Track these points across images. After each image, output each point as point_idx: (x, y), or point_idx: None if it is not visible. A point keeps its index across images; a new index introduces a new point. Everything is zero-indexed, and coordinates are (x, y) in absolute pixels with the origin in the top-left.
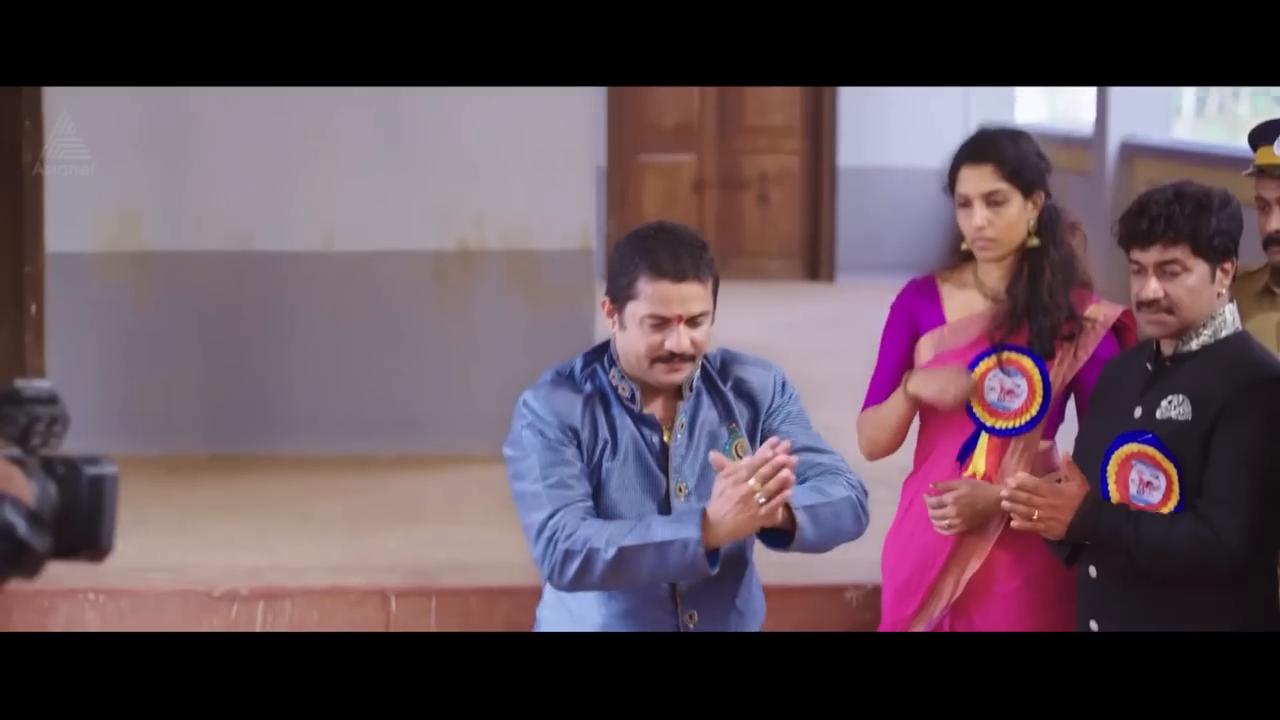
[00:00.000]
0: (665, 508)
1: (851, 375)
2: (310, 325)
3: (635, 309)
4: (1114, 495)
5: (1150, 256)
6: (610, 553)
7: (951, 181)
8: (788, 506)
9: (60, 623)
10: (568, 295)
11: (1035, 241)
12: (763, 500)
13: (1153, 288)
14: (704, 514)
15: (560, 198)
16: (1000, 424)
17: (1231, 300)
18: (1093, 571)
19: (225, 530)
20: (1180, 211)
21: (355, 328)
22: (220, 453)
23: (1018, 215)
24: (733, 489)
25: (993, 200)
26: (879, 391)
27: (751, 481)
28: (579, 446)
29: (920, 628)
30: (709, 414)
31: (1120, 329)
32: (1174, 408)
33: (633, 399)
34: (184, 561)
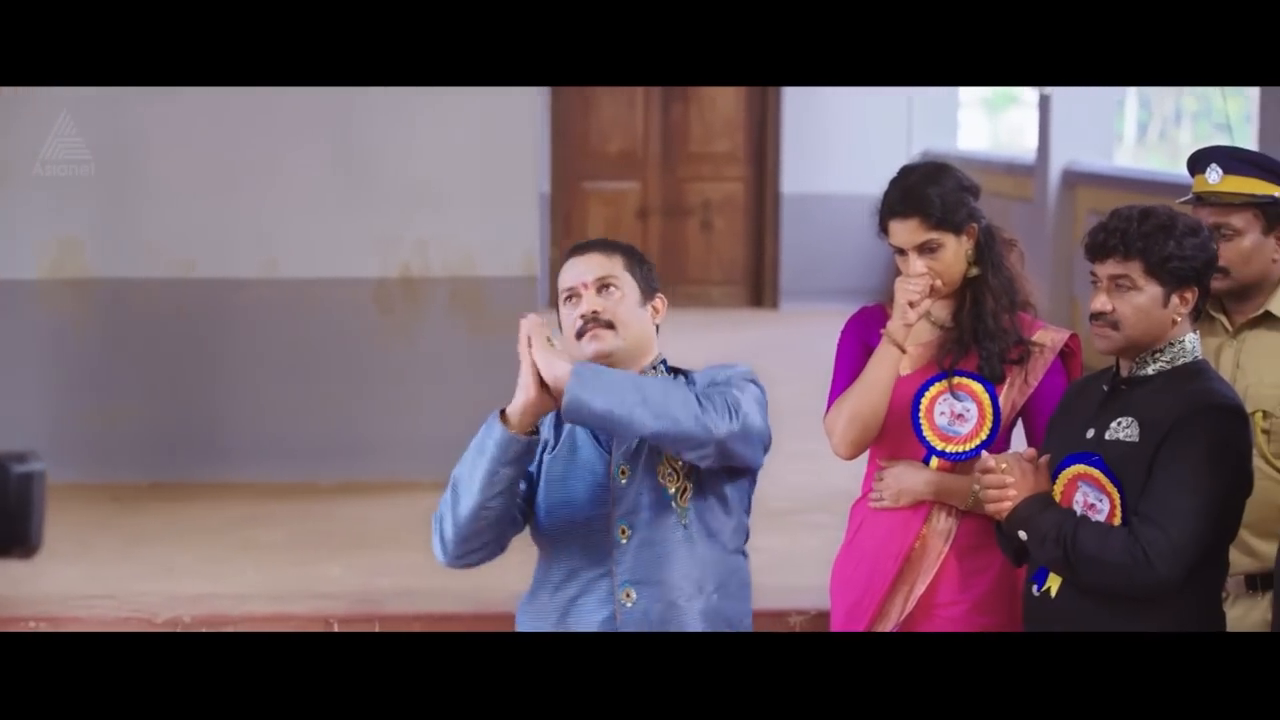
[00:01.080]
0: (605, 489)
1: (796, 400)
2: (254, 352)
3: (560, 301)
4: None
5: (1104, 270)
6: (448, 490)
7: (883, 229)
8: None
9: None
10: (511, 322)
11: (975, 271)
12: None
13: (1100, 300)
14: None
15: (504, 225)
16: (950, 448)
17: (1196, 331)
18: (1035, 590)
19: (167, 558)
20: (1138, 230)
21: (299, 354)
22: (163, 480)
23: (954, 256)
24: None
25: (926, 249)
26: (840, 392)
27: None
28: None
29: None
30: None
31: (1066, 354)
32: (1122, 429)
33: None
34: (126, 589)
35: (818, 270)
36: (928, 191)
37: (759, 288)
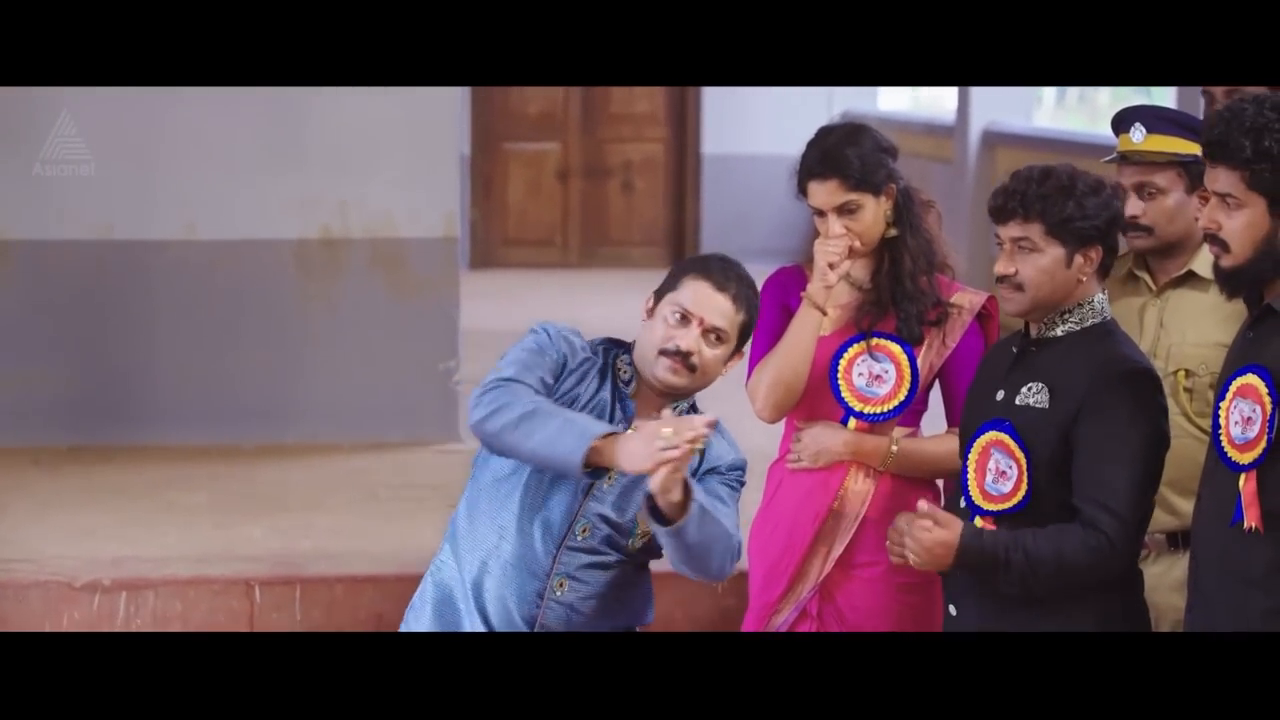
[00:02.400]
0: (589, 480)
1: None
2: (173, 314)
3: (669, 299)
4: (972, 485)
5: (1006, 232)
6: (525, 407)
7: (801, 190)
8: (687, 494)
9: None
10: (431, 284)
11: (893, 232)
12: (663, 446)
13: (1003, 263)
14: (616, 434)
15: (424, 186)
16: (868, 409)
17: (1104, 290)
18: (952, 611)
19: (87, 521)
20: (1036, 191)
21: (218, 317)
22: (82, 443)
23: (873, 217)
24: (649, 427)
25: (845, 210)
26: (761, 355)
27: (666, 430)
28: (559, 375)
29: (787, 611)
30: None
31: (984, 316)
32: (1032, 395)
33: (628, 381)
34: (45, 553)
35: (739, 231)
36: (846, 153)
37: (680, 249)
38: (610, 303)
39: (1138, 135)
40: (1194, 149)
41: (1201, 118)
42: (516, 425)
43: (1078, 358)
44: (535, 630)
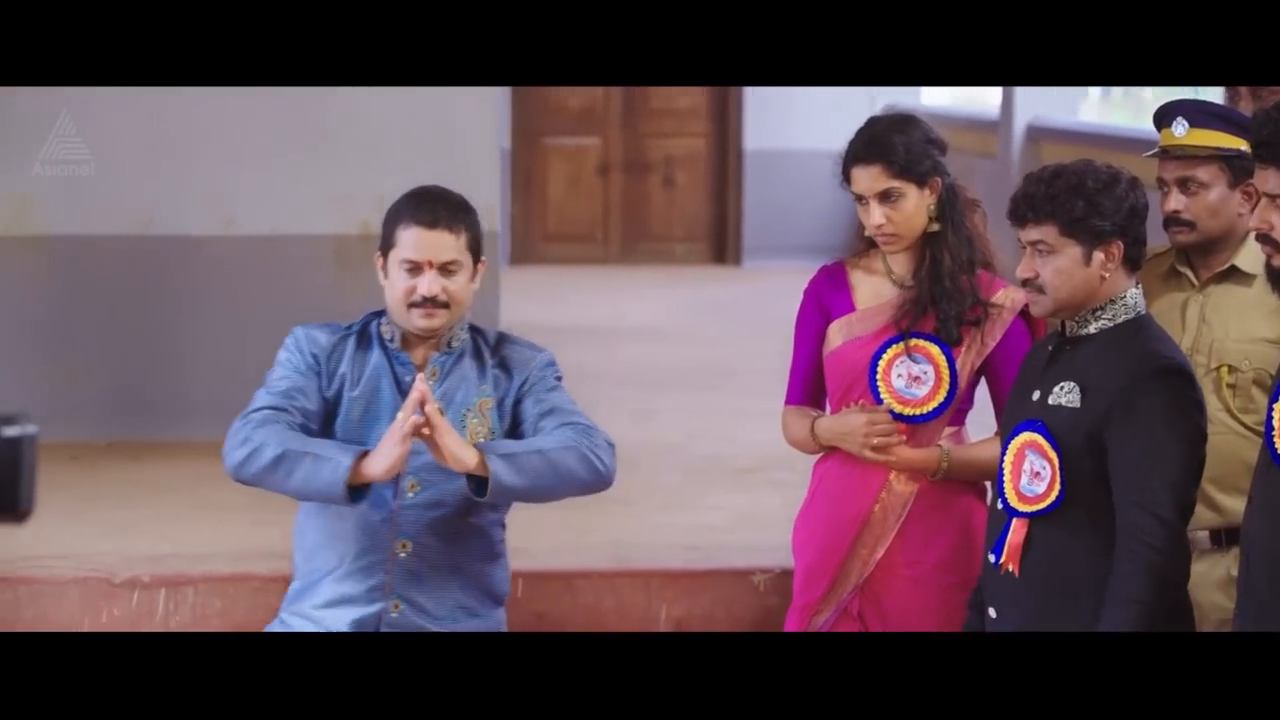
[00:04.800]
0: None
1: (759, 358)
2: (211, 309)
3: (395, 255)
4: (1008, 486)
5: (1024, 235)
6: (276, 450)
7: (845, 177)
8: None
9: None
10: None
11: (936, 226)
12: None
13: (1024, 266)
14: (365, 452)
15: (464, 181)
16: (908, 410)
17: (1137, 284)
18: (993, 560)
19: (126, 517)
20: (1046, 192)
21: (257, 312)
22: (120, 439)
23: (915, 207)
24: (391, 434)
25: (887, 198)
26: (798, 383)
27: (400, 415)
28: (320, 375)
29: (828, 611)
30: (466, 372)
31: (1027, 313)
32: (1064, 394)
33: (393, 340)
34: (84, 549)
35: (781, 226)
36: (893, 139)
37: (721, 244)
38: (651, 298)
39: (1180, 129)
40: (1237, 143)
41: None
42: (273, 469)
43: (1110, 355)
44: (388, 595)
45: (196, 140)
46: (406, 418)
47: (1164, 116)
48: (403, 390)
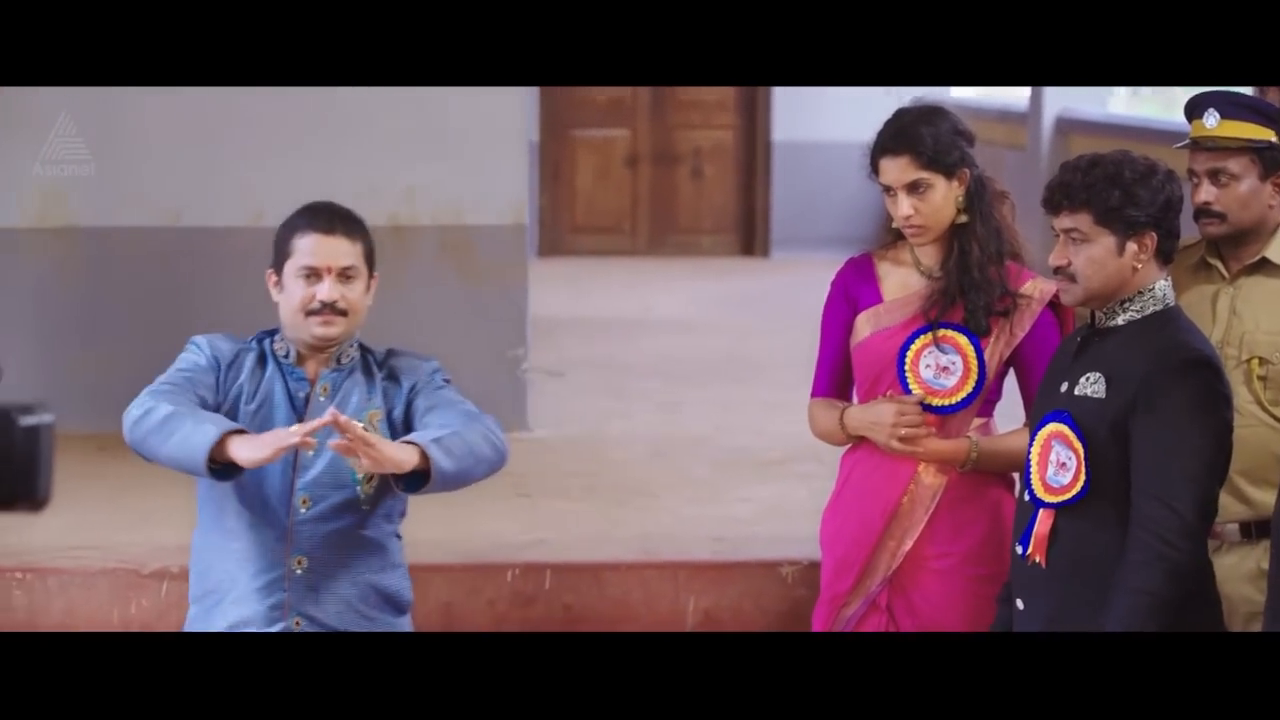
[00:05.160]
0: (293, 454)
1: (787, 350)
2: (240, 301)
3: (291, 265)
4: (1034, 476)
5: (1058, 223)
6: (168, 410)
7: (873, 168)
8: (419, 448)
9: None
10: (500, 271)
11: (964, 218)
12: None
13: (1056, 254)
14: (239, 430)
15: (493, 173)
16: (936, 401)
17: (1167, 277)
18: (1020, 551)
19: (154, 508)
20: (1082, 180)
21: None
22: None
23: (943, 199)
24: (269, 438)
25: (915, 189)
26: (825, 375)
27: (296, 427)
28: (218, 375)
29: (856, 604)
30: (356, 388)
31: (1056, 304)
32: (1090, 385)
33: (287, 355)
34: (113, 540)
35: (808, 218)
36: (921, 130)
37: (750, 236)
38: (679, 290)
39: (1211, 121)
40: (1268, 135)
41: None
42: (159, 429)
43: (1136, 347)
44: (288, 614)
45: (225, 133)
46: (300, 431)
47: (1195, 108)
48: (295, 405)
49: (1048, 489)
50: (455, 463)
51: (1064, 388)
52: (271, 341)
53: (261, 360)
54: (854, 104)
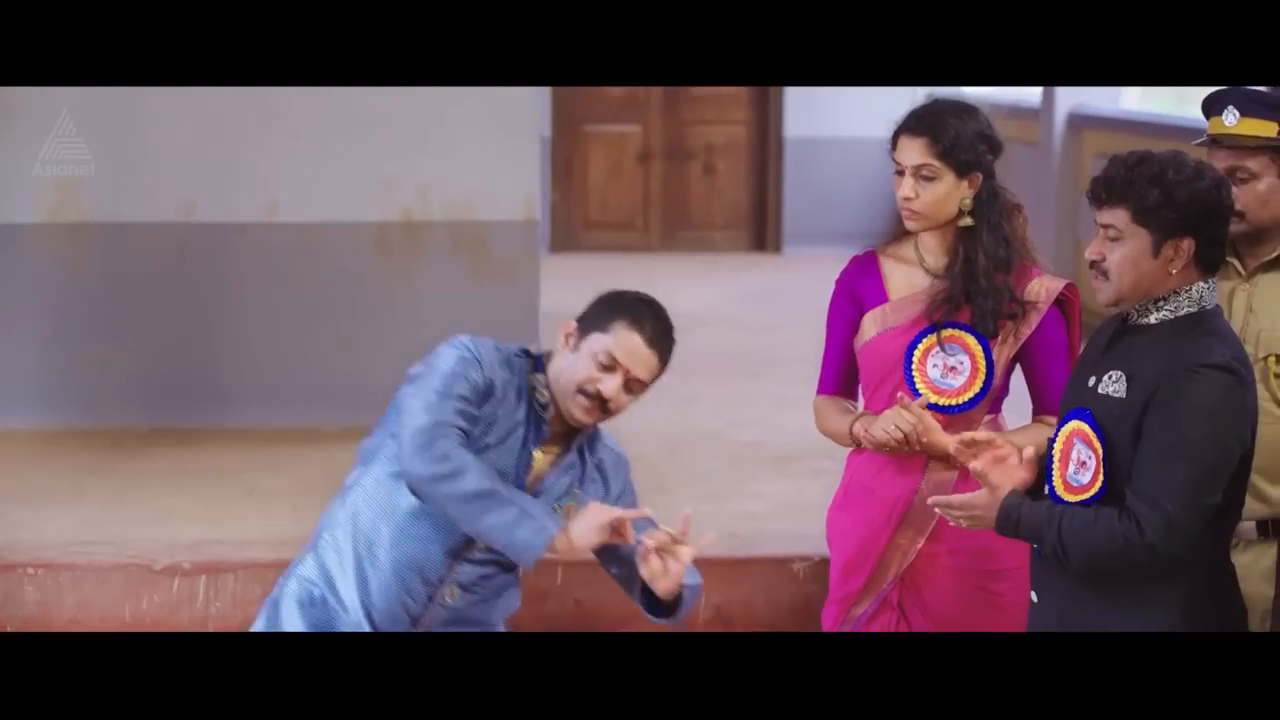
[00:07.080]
0: (462, 538)
1: (799, 346)
2: (254, 296)
3: (599, 341)
4: (1056, 474)
5: (1100, 218)
6: (481, 484)
7: (894, 146)
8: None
9: None
10: (512, 266)
11: (969, 222)
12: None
13: (1092, 248)
14: (565, 527)
15: (505, 168)
16: (944, 401)
17: (1208, 282)
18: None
19: (167, 503)
20: (1125, 176)
21: (299, 299)
22: (162, 425)
23: (946, 193)
24: (603, 516)
25: (922, 174)
26: (830, 373)
27: (649, 541)
28: (481, 411)
29: (868, 602)
30: (570, 471)
31: (1063, 302)
32: (1112, 384)
33: (545, 406)
34: (125, 535)
35: (820, 214)
36: (947, 120)
37: (761, 232)
38: (691, 286)
39: (1230, 118)
40: None
41: None
42: (467, 501)
43: (1162, 347)
44: (418, 630)
45: (240, 128)
46: (626, 517)
47: (1214, 105)
48: (522, 458)
49: (1068, 488)
50: (686, 611)
51: (1091, 382)
52: (533, 375)
53: (519, 392)
54: (866, 100)
